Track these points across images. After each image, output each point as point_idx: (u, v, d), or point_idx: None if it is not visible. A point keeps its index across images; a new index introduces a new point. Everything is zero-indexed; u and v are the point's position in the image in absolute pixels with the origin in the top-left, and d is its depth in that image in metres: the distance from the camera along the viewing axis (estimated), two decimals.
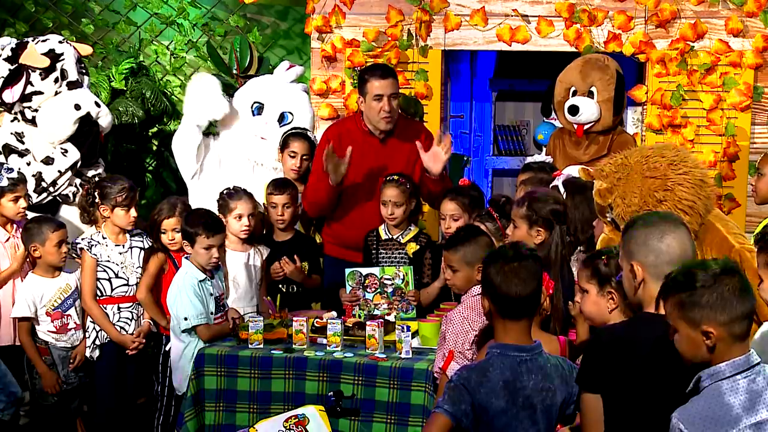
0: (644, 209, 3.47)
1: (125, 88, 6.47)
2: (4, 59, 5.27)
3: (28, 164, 5.23)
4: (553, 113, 5.97)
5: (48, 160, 5.23)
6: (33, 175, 5.17)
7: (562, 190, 4.17)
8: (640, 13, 5.82)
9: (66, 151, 5.24)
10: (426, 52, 5.94)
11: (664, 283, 2.52)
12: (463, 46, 6.02)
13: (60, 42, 5.40)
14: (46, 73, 5.26)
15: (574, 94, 5.35)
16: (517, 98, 7.87)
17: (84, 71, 5.48)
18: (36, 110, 5.28)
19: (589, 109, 5.27)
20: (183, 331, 4.34)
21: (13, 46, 5.35)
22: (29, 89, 5.25)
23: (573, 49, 5.81)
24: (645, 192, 3.55)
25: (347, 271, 4.79)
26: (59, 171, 5.23)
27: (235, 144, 5.61)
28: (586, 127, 5.33)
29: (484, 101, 7.77)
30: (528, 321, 2.94)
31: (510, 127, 7.98)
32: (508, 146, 7.88)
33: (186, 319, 4.30)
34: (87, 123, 5.27)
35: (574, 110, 5.28)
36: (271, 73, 5.94)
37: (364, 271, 4.77)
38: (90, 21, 7.00)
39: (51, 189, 5.23)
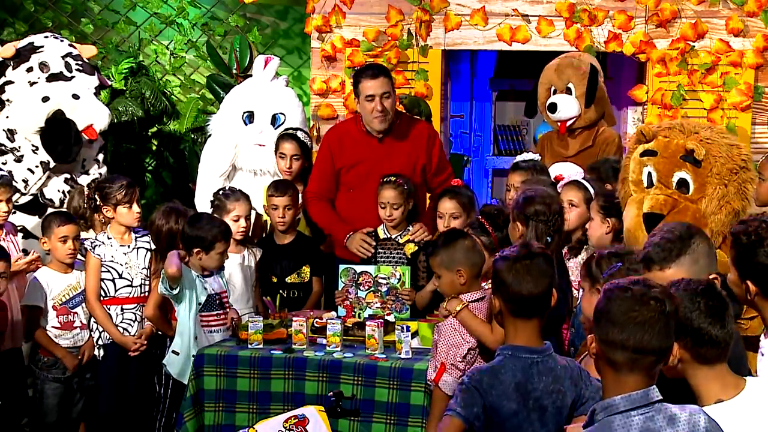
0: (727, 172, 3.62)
1: (125, 88, 6.47)
2: None
3: (4, 164, 5.28)
4: (537, 113, 6.05)
5: (19, 159, 5.27)
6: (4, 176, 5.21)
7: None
8: (640, 13, 5.81)
9: (36, 148, 5.27)
10: (426, 52, 5.93)
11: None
12: (463, 46, 6.01)
13: (46, 37, 5.52)
14: (16, 63, 5.37)
15: (555, 92, 5.44)
16: (517, 98, 7.85)
17: (81, 68, 5.46)
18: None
19: (567, 106, 5.37)
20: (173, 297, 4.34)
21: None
22: (2, 80, 5.37)
23: (573, 49, 5.79)
24: (733, 154, 3.64)
25: (341, 267, 4.75)
26: (29, 169, 5.27)
27: (233, 155, 5.55)
28: (568, 123, 5.38)
29: (484, 101, 7.78)
30: (539, 321, 2.91)
31: (510, 127, 7.99)
32: (508, 146, 7.89)
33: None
34: (60, 124, 5.26)
35: (553, 108, 5.39)
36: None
37: (359, 268, 4.72)
38: (89, 21, 7.00)
39: (23, 189, 5.26)
